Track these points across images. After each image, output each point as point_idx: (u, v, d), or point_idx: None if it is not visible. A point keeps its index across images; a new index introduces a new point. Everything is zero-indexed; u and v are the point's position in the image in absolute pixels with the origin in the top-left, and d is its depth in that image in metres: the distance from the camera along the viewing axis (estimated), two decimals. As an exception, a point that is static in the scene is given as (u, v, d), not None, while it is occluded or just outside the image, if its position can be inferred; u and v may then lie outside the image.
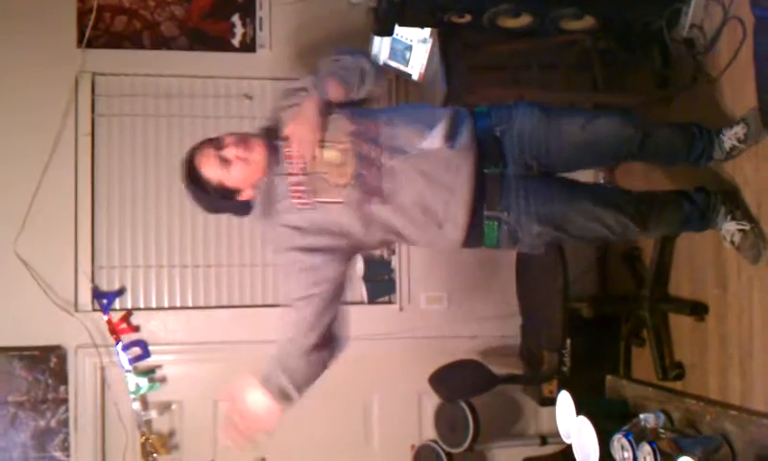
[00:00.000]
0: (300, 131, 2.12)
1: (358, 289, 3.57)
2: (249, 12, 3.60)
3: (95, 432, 3.43)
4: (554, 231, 2.26)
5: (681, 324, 3.14)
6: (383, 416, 3.69)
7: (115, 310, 3.46)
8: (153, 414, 3.46)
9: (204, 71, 3.58)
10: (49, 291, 3.38)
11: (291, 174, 2.15)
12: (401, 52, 3.17)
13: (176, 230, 3.55)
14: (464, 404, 3.24)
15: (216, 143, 2.16)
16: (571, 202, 2.28)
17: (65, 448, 3.39)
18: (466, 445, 3.24)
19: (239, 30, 3.61)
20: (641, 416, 1.96)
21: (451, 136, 2.20)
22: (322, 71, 2.29)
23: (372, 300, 3.64)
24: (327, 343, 2.19)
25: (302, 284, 2.14)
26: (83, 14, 3.47)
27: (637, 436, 1.89)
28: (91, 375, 3.43)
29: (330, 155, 2.14)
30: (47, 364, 3.38)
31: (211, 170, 2.14)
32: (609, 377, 2.37)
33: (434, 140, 2.18)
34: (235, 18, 3.60)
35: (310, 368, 2.18)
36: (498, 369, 3.22)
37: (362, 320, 3.57)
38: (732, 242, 2.48)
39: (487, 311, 3.59)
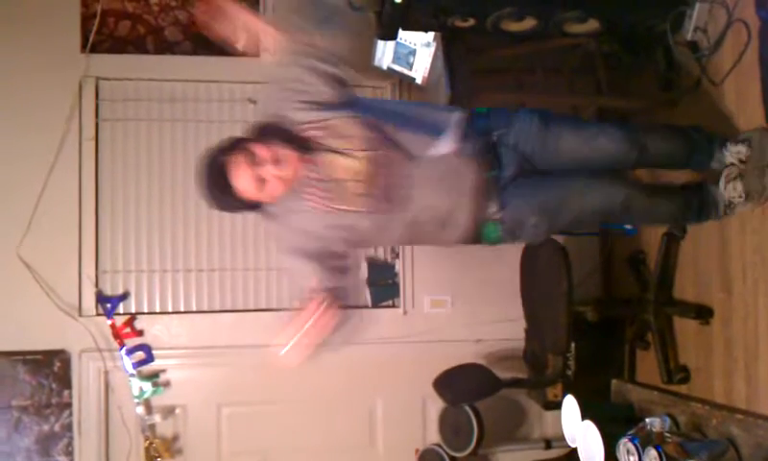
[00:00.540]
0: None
1: (362, 293, 3.56)
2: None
3: (99, 437, 3.43)
4: (552, 219, 2.29)
5: (686, 327, 3.13)
6: (387, 420, 3.69)
7: (119, 314, 3.46)
8: (156, 418, 3.46)
9: (207, 75, 3.58)
10: (53, 295, 3.38)
11: (310, 179, 2.14)
12: (405, 56, 3.17)
13: (179, 234, 3.56)
14: (468, 408, 3.23)
15: (250, 157, 2.05)
16: (567, 185, 2.30)
17: (69, 453, 3.39)
18: (470, 449, 3.23)
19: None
20: (647, 420, 1.96)
21: (460, 143, 2.21)
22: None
23: (376, 304, 3.63)
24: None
25: (309, 271, 2.15)
26: (86, 19, 3.48)
27: (643, 440, 1.88)
28: (95, 379, 3.43)
29: (348, 163, 2.13)
30: (51, 368, 3.38)
31: (245, 185, 2.06)
32: (614, 381, 2.37)
33: (444, 147, 2.19)
34: (239, 22, 3.60)
35: None
36: (503, 373, 3.22)
37: (366, 324, 3.58)
38: (741, 196, 2.44)
39: (491, 315, 3.58)
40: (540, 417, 3.70)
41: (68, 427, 3.39)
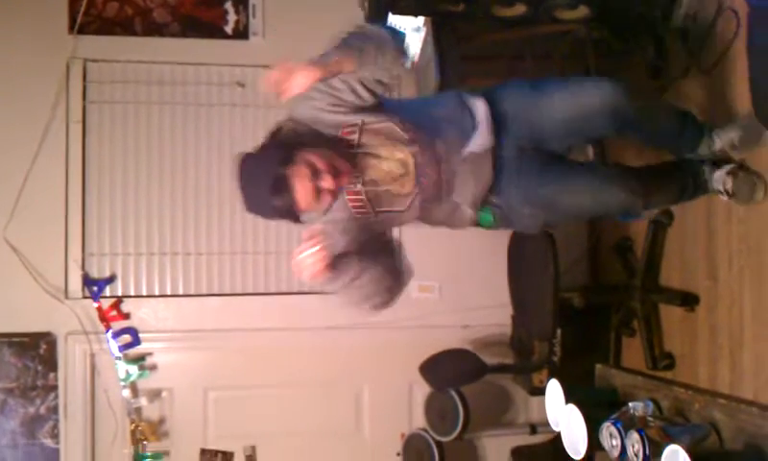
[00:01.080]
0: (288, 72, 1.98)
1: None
2: (242, 0, 3.59)
3: (85, 419, 3.43)
4: (546, 213, 2.30)
5: (671, 314, 3.15)
6: (373, 404, 3.70)
7: (105, 297, 3.45)
8: (143, 401, 3.45)
9: (196, 58, 3.56)
10: (39, 278, 3.36)
11: (355, 185, 2.12)
12: (395, 40, 3.15)
13: (167, 217, 3.54)
14: (454, 393, 3.24)
15: (311, 168, 1.97)
16: (565, 183, 2.29)
17: (55, 436, 3.38)
18: (455, 433, 3.24)
19: (232, 17, 3.59)
20: (630, 404, 1.95)
21: (491, 135, 2.22)
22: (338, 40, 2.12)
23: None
24: None
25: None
26: (74, 0, 3.45)
27: (626, 424, 1.88)
28: (81, 362, 3.43)
29: (391, 166, 2.12)
30: (37, 351, 3.37)
31: (307, 198, 1.99)
32: (598, 366, 2.37)
33: (481, 142, 2.20)
34: (228, 5, 3.58)
35: None
36: (489, 358, 3.23)
37: (353, 309, 3.58)
38: (727, 191, 2.48)
39: (478, 301, 3.59)
40: (526, 402, 3.72)
41: (54, 410, 3.39)
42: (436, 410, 3.38)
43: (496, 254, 3.25)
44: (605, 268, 3.71)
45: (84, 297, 3.43)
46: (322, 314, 3.52)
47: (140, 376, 3.43)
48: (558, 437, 2.13)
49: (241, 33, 3.59)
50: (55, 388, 3.39)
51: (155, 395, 3.50)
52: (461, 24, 3.05)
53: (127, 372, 3.41)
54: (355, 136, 2.11)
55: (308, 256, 1.96)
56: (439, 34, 3.02)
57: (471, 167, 2.20)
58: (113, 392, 3.44)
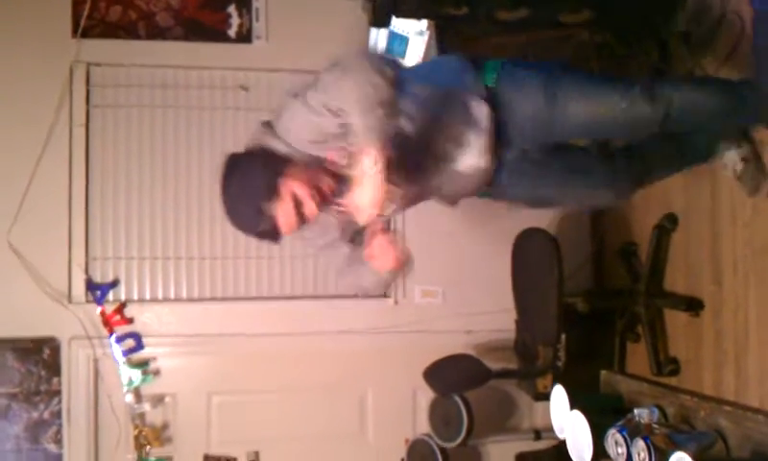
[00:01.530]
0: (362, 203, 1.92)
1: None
2: (245, 3, 3.58)
3: (88, 424, 3.42)
4: (544, 207, 2.32)
5: (676, 319, 3.14)
6: (377, 410, 3.69)
7: (109, 302, 3.44)
8: (146, 406, 3.45)
9: (199, 62, 3.56)
10: (42, 282, 3.36)
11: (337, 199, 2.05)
12: (398, 44, 3.15)
13: (170, 221, 3.54)
14: (458, 399, 3.23)
15: (296, 200, 1.93)
16: (564, 186, 2.30)
17: (58, 441, 3.38)
18: (460, 439, 3.23)
19: (235, 20, 3.58)
20: (635, 411, 1.94)
21: (489, 154, 2.13)
22: (369, 118, 1.85)
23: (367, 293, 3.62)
24: None
25: None
26: (78, 4, 3.44)
27: (632, 431, 1.87)
28: (84, 366, 3.42)
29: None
30: (40, 355, 3.36)
31: (289, 226, 1.96)
32: (603, 372, 2.36)
33: (471, 163, 2.12)
34: (231, 9, 3.58)
35: None
36: (493, 363, 3.22)
37: (356, 314, 3.58)
38: (735, 170, 2.50)
39: (482, 306, 3.58)
40: (530, 408, 3.70)
41: (57, 415, 3.38)
42: (440, 416, 3.37)
43: (500, 258, 3.24)
44: (609, 273, 3.70)
45: (88, 301, 3.42)
46: (325, 319, 3.53)
47: (144, 380, 3.43)
48: (562, 443, 2.13)
49: (244, 36, 3.58)
50: (58, 393, 3.39)
51: (158, 400, 3.49)
52: (464, 27, 3.04)
53: (130, 377, 3.40)
54: (336, 155, 2.01)
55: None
56: (442, 37, 3.03)
57: (463, 182, 2.18)
58: (117, 397, 3.43)
